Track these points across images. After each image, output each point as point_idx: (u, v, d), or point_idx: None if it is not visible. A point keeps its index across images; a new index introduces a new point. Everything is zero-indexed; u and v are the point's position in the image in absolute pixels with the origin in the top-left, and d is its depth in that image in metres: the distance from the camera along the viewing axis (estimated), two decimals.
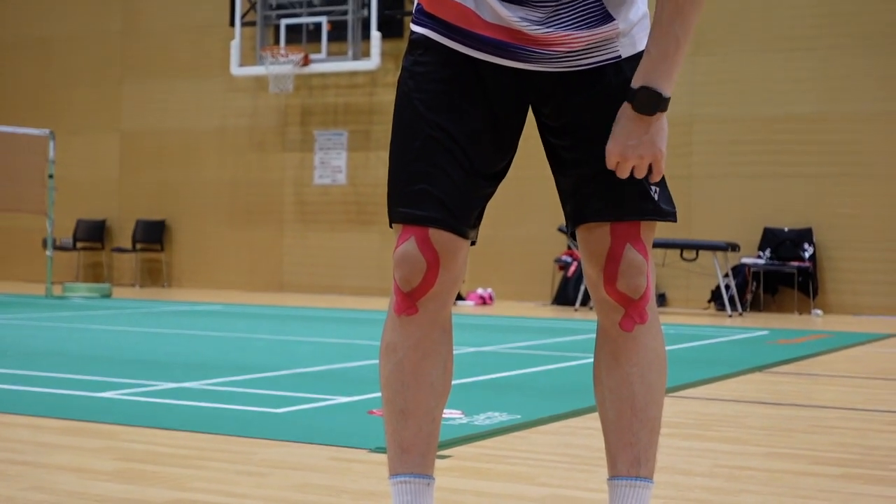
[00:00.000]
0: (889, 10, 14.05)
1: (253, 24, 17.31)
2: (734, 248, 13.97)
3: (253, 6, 17.30)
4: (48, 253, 15.09)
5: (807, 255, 14.20)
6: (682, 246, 13.97)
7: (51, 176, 14.87)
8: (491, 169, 2.50)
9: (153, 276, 18.33)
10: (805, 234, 14.32)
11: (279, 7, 17.24)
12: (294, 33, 17.06)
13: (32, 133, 15.28)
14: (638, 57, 2.42)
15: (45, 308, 12.46)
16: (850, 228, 14.23)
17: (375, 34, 16.20)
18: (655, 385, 2.52)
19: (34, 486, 3.39)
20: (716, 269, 13.84)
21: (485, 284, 15.37)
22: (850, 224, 14.23)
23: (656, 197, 2.48)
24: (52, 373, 6.35)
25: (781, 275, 14.46)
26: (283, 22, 17.10)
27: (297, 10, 17.08)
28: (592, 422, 4.29)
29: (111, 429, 4.47)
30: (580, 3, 2.41)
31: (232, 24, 17.39)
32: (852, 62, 14.20)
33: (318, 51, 16.74)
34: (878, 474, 3.85)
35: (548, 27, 2.40)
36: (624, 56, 2.46)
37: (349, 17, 16.61)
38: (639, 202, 2.46)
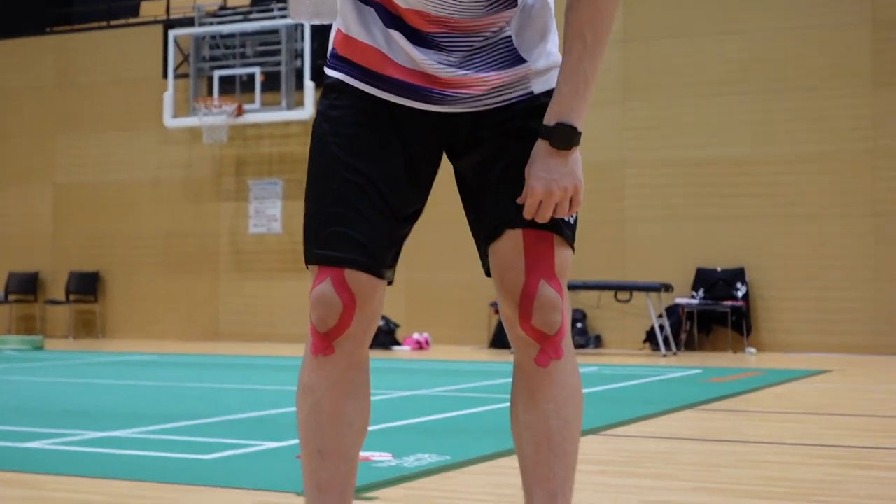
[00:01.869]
0: (817, 55, 14.27)
1: (186, 75, 17.31)
2: (668, 288, 14.06)
3: (186, 58, 17.29)
4: None
5: (740, 294, 14.33)
6: (617, 287, 14.04)
7: None
8: (406, 210, 2.51)
9: (87, 328, 18.13)
10: (738, 274, 14.46)
11: (212, 59, 17.25)
12: (227, 84, 17.06)
13: None
14: (550, 93, 2.45)
15: None
16: (782, 268, 14.39)
17: (309, 84, 16.25)
18: (572, 420, 2.51)
19: None
20: (650, 310, 13.91)
21: (421, 329, 15.35)
22: (782, 264, 14.39)
23: (570, 221, 2.49)
24: None
25: (715, 314, 14.58)
26: (217, 73, 17.11)
27: (231, 62, 17.09)
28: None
29: (35, 478, 4.39)
30: (493, 47, 2.44)
31: (165, 76, 17.38)
32: (782, 105, 14.42)
33: (252, 101, 16.76)
34: None
35: (461, 70, 2.43)
36: (536, 92, 2.49)
37: (282, 68, 16.65)
38: (551, 218, 2.45)
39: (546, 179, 2.36)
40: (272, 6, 17.07)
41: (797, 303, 14.33)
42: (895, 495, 4.08)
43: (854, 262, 14.11)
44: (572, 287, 14.08)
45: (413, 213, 2.53)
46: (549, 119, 2.38)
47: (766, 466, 4.81)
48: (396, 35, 2.43)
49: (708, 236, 14.69)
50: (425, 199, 2.56)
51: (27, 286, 18.35)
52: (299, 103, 16.51)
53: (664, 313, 14.13)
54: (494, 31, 2.45)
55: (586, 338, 14.79)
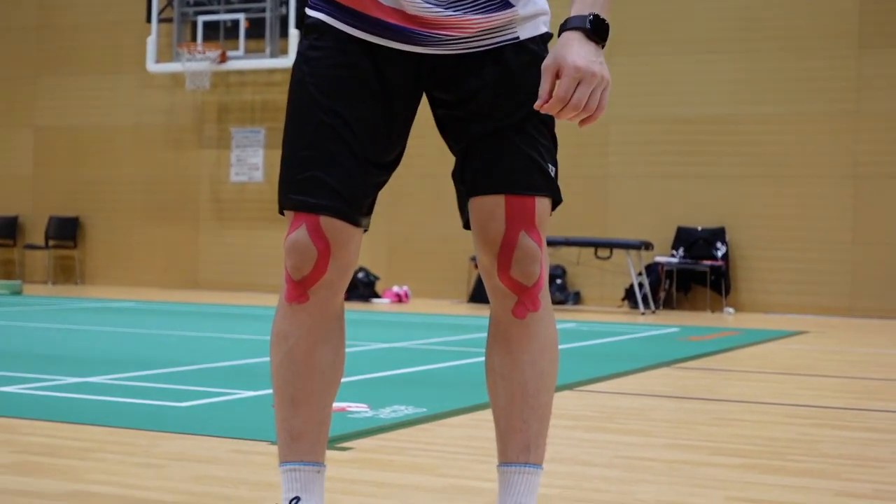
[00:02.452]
0: (804, 16, 14.25)
1: (170, 20, 17.17)
2: (648, 246, 14.10)
3: (170, 2, 17.16)
4: None
5: (719, 254, 14.37)
6: (597, 244, 14.08)
7: None
8: (384, 157, 2.47)
9: (66, 273, 18.09)
10: (718, 234, 14.50)
11: (197, 3, 17.11)
12: (211, 30, 16.95)
13: None
14: (538, 39, 2.45)
15: None
16: (763, 228, 14.43)
17: (293, 31, 16.12)
18: (547, 372, 2.50)
19: None
20: (629, 268, 13.95)
21: (401, 282, 15.36)
22: (763, 224, 14.43)
23: (553, 175, 2.45)
24: None
25: (694, 273, 14.63)
26: (201, 19, 16.99)
27: (215, 7, 16.97)
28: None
29: (10, 422, 4.39)
30: None
31: (149, 20, 17.23)
32: (767, 65, 14.40)
33: (236, 48, 16.65)
34: (774, 464, 3.89)
35: (448, 10, 2.38)
36: (523, 38, 2.45)
37: (267, 15, 16.54)
38: (533, 177, 2.43)
39: (586, 59, 2.24)
40: None
41: (776, 263, 14.38)
42: (867, 455, 4.11)
43: (834, 224, 14.16)
44: (553, 243, 14.10)
45: (391, 162, 2.50)
46: (583, 9, 2.29)
47: (740, 425, 4.84)
48: None
49: (689, 195, 14.71)
50: (403, 146, 2.52)
51: (6, 230, 18.27)
52: (283, 51, 16.41)
53: (643, 271, 14.17)
54: None
55: (565, 294, 14.82)
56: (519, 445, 2.48)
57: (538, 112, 2.32)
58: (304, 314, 2.44)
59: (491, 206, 2.42)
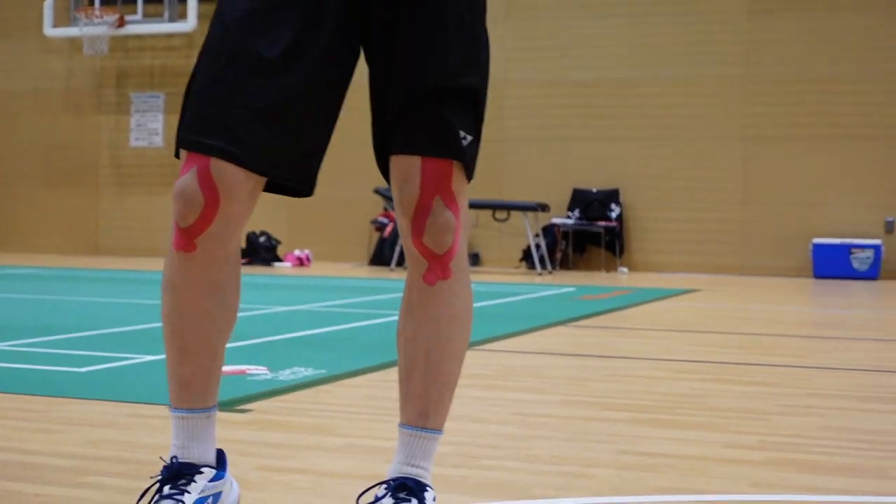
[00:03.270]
0: None
1: None
2: (544, 208, 14.18)
3: None
4: None
5: (614, 215, 14.53)
6: (495, 206, 14.13)
7: None
8: (330, 94, 2.31)
9: None
10: (612, 195, 14.65)
11: None
12: None
13: None
14: None
15: None
16: (656, 190, 14.61)
17: None
18: (453, 342, 2.43)
19: None
20: (526, 230, 14.03)
21: (302, 246, 15.30)
22: (656, 185, 14.60)
23: (465, 143, 2.32)
24: None
25: (589, 234, 14.77)
26: None
27: None
28: (395, 374, 4.28)
29: None
30: None
31: None
32: (663, 29, 14.55)
33: (134, 12, 16.43)
34: (664, 418, 3.94)
35: None
36: None
37: None
38: (449, 141, 2.29)
39: None
40: None
41: (669, 224, 14.57)
42: (753, 408, 4.18)
43: (724, 185, 14.39)
44: None
45: (322, 105, 2.31)
46: None
47: (633, 381, 4.90)
48: None
49: (585, 157, 14.83)
50: (348, 80, 2.34)
51: None
52: (182, 15, 16.21)
53: (540, 233, 14.27)
54: None
55: None
56: (416, 410, 2.42)
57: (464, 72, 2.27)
58: (191, 263, 2.29)
59: (407, 167, 2.29)
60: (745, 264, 14.22)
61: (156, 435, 3.47)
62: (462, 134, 2.29)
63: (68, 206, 17.12)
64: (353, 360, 5.33)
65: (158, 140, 16.66)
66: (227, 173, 2.20)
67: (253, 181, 2.25)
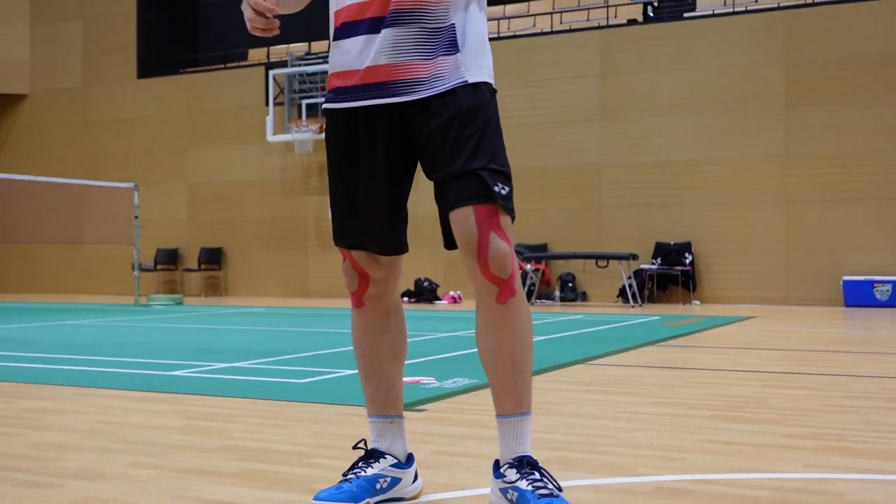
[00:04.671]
0: (740, 83, 14.14)
1: (282, 103, 17.32)
2: (634, 257, 14.00)
3: (282, 90, 17.30)
4: (135, 273, 14.99)
5: (687, 261, 14.24)
6: (597, 257, 14.00)
7: (136, 217, 14.82)
8: (391, 200, 2.40)
9: (214, 289, 18.23)
10: (686, 246, 14.38)
11: (301, 91, 17.26)
12: (312, 109, 17.08)
13: (122, 186, 15.21)
14: (481, 86, 2.31)
15: (133, 313, 12.38)
16: (719, 242, 14.31)
17: None
18: (526, 341, 2.33)
19: (121, 440, 3.38)
20: (622, 273, 13.87)
21: (455, 288, 15.36)
22: (718, 238, 14.30)
23: (504, 193, 2.27)
24: (137, 358, 6.32)
25: (669, 276, 14.50)
26: (304, 101, 17.12)
27: (314, 93, 17.09)
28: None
29: (177, 396, 4.46)
30: (421, 35, 2.28)
31: (267, 104, 17.40)
32: (716, 122, 14.30)
33: None
34: (735, 415, 3.86)
35: (399, 58, 2.28)
36: (471, 81, 2.29)
37: None
38: (493, 191, 2.25)
39: None
40: None
41: (730, 267, 14.24)
42: (803, 406, 4.06)
43: (771, 237, 14.01)
44: (565, 256, 14.09)
45: (396, 200, 2.41)
46: None
47: (709, 386, 4.80)
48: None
49: (664, 219, 14.61)
50: (404, 186, 2.42)
51: (169, 259, 18.46)
52: None
53: (632, 275, 14.08)
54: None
55: (576, 293, 14.75)
56: (514, 401, 2.32)
57: (490, 145, 2.26)
58: (363, 315, 2.50)
59: (464, 215, 2.25)
60: (789, 296, 13.80)
61: (357, 428, 3.53)
62: (498, 187, 2.25)
63: (285, 262, 17.46)
64: None
65: None
66: (362, 258, 2.44)
67: (381, 258, 2.44)
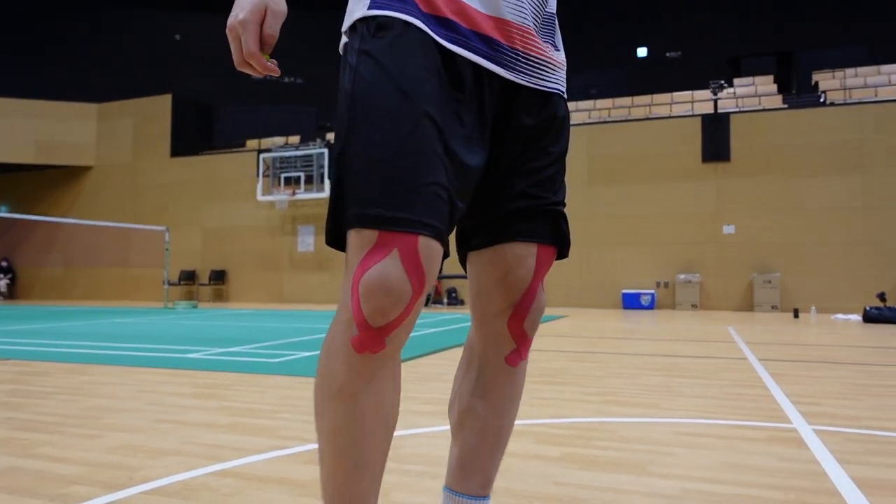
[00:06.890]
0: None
1: (268, 175, 16.97)
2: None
3: (268, 167, 16.98)
4: (165, 286, 14.45)
5: None
6: (464, 277, 13.92)
7: (167, 249, 14.27)
8: (475, 175, 1.13)
9: (219, 297, 17.61)
10: None
11: (281, 167, 16.94)
12: (288, 180, 16.76)
13: (157, 229, 14.67)
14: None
15: (163, 314, 11.87)
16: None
17: (327, 181, 15.97)
18: (514, 417, 1.33)
19: (150, 403, 3.23)
20: None
21: None
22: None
23: (569, 240, 1.28)
24: (164, 345, 6.05)
25: None
26: (283, 174, 16.79)
27: (290, 169, 16.80)
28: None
29: (191, 372, 4.26)
30: (550, 23, 1.22)
31: (258, 176, 17.02)
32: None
33: (300, 188, 16.50)
34: (550, 379, 3.71)
35: (532, 25, 1.18)
36: (563, 93, 1.24)
37: (314, 172, 16.42)
38: (561, 232, 1.24)
39: None
40: (310, 143, 16.90)
41: (552, 284, 14.31)
42: (595, 374, 3.93)
43: (570, 270, 14.14)
44: (452, 277, 13.99)
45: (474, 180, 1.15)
46: None
47: (535, 362, 4.58)
48: None
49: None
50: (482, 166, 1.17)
51: (189, 276, 17.75)
52: (321, 189, 16.31)
53: None
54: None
55: (458, 300, 14.43)
56: (480, 481, 1.30)
57: (563, 167, 1.23)
58: (378, 364, 1.05)
59: (523, 253, 1.22)
60: (586, 302, 13.96)
61: (311, 391, 3.39)
62: (566, 230, 1.26)
63: (268, 279, 16.99)
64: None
65: (311, 247, 16.69)
66: (433, 253, 1.03)
67: (440, 254, 1.09)
